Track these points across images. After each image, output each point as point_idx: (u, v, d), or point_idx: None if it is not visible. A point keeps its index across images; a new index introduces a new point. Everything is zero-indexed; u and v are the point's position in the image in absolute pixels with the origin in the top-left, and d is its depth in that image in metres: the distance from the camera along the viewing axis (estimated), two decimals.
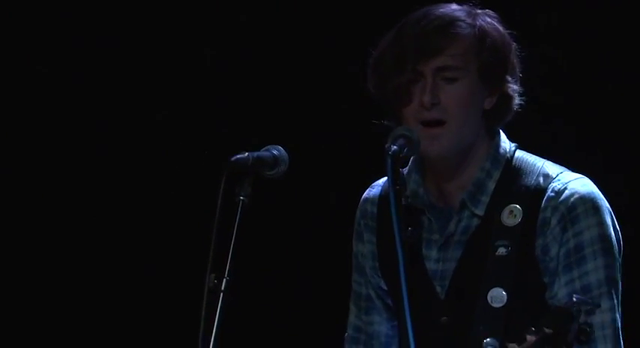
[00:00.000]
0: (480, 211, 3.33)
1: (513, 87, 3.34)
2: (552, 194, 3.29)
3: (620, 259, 3.39)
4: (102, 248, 5.80)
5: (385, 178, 3.44)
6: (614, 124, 5.16)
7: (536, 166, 3.40)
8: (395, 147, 3.05)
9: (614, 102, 5.30)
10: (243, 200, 3.00)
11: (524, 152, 3.39)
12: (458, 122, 3.30)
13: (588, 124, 4.99)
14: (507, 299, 3.34)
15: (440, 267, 3.42)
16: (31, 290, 5.88)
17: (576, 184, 3.32)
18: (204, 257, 3.04)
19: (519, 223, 3.38)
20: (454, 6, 3.39)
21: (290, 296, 5.01)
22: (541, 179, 3.36)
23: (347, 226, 3.66)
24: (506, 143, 3.39)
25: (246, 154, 3.07)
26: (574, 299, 2.88)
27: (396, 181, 3.12)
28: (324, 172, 4.28)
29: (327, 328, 3.97)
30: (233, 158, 3.01)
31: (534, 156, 3.41)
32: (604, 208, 3.33)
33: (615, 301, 3.33)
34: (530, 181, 3.41)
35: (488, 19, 3.36)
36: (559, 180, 3.34)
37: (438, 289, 3.37)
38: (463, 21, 3.34)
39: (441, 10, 3.36)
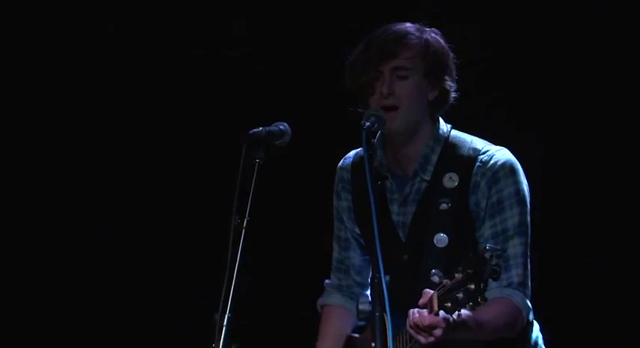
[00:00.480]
0: (427, 177, 4.03)
1: (450, 84, 4.07)
2: (480, 164, 4.02)
3: (529, 208, 4.09)
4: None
5: (354, 151, 4.23)
6: (525, 108, 6.01)
7: (467, 141, 4.12)
8: (368, 123, 3.77)
9: (527, 95, 6.15)
10: (258, 162, 3.75)
11: (457, 131, 4.14)
12: (408, 108, 3.99)
13: (507, 107, 5.81)
14: (448, 241, 4.02)
15: (401, 219, 4.10)
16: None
17: (498, 154, 4.05)
18: (229, 206, 3.77)
19: (456, 185, 4.07)
20: (408, 24, 4.09)
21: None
22: (471, 152, 4.09)
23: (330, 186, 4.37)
24: (444, 125, 4.09)
25: (260, 128, 3.82)
26: (487, 247, 3.59)
27: (369, 148, 3.82)
28: (312, 145, 4.94)
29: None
30: (251, 132, 3.76)
31: (465, 134, 4.15)
32: (519, 171, 4.03)
33: (525, 238, 4.03)
34: (463, 153, 4.09)
35: (433, 34, 4.07)
36: (485, 152, 4.06)
37: (400, 234, 4.04)
38: (413, 34, 4.04)
39: (398, 26, 4.09)
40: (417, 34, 4.11)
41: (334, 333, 4.38)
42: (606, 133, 6.47)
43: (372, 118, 3.89)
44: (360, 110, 4.00)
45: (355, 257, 4.38)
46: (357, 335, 4.33)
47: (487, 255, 3.65)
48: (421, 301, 3.78)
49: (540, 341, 4.30)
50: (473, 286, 3.70)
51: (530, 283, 4.12)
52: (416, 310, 3.82)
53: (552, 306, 4.90)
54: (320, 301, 4.46)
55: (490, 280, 3.70)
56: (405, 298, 3.95)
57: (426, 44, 4.10)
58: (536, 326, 4.23)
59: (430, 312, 3.76)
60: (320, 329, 4.48)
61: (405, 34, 4.11)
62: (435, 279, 3.92)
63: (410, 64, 4.04)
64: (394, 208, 4.15)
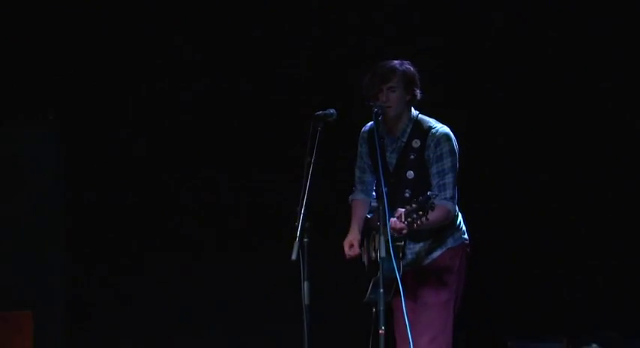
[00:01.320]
0: (404, 140, 5.62)
1: (417, 91, 5.64)
2: (431, 134, 5.62)
3: (457, 158, 5.59)
4: None
5: (368, 124, 5.76)
6: (456, 103, 7.39)
7: (426, 121, 5.67)
8: (376, 110, 5.43)
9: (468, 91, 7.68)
10: (320, 129, 5.29)
11: (422, 115, 5.73)
12: (395, 106, 5.59)
13: (446, 101, 7.11)
14: (414, 175, 5.60)
15: (393, 160, 5.66)
16: None
17: (441, 129, 5.61)
18: (307, 151, 5.16)
19: (419, 146, 5.61)
20: (394, 60, 5.66)
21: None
22: (427, 127, 5.66)
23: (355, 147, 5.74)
24: (415, 112, 5.65)
25: (320, 111, 5.39)
26: (428, 193, 5.23)
27: (377, 123, 5.51)
28: (347, 120, 5.82)
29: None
30: (315, 113, 5.39)
31: (426, 117, 5.73)
32: (452, 138, 5.58)
33: (454, 173, 5.55)
34: (424, 128, 5.64)
35: (407, 65, 5.63)
36: (435, 127, 5.61)
37: (390, 168, 5.58)
38: (397, 68, 5.60)
39: (389, 63, 5.66)
40: (399, 67, 5.61)
41: (359, 215, 5.75)
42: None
43: (378, 109, 5.51)
44: (371, 104, 5.54)
45: (368, 176, 5.84)
46: (369, 216, 5.73)
47: (429, 195, 5.30)
48: (396, 215, 5.24)
49: (462, 223, 5.73)
50: (421, 212, 5.21)
51: (456, 196, 5.61)
52: (393, 219, 5.24)
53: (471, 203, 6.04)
54: (350, 198, 5.83)
55: (429, 211, 5.20)
56: (393, 200, 5.38)
57: (404, 73, 5.61)
58: (460, 216, 5.70)
59: (399, 221, 5.27)
60: (352, 214, 5.79)
61: (393, 68, 5.61)
62: (407, 193, 5.53)
63: (396, 85, 5.58)
64: (387, 154, 5.68)
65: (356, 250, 5.56)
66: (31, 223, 7.18)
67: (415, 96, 5.61)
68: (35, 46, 7.42)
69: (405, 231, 5.22)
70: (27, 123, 7.26)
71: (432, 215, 5.20)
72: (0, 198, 7.13)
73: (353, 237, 5.62)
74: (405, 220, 5.19)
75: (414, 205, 5.15)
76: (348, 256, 5.58)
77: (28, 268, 7.13)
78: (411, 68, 5.59)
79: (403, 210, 5.21)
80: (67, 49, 7.52)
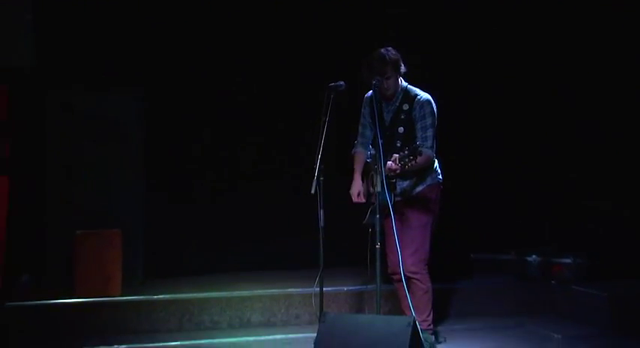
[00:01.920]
0: (397, 104, 5.98)
1: (403, 68, 5.88)
2: (417, 100, 5.89)
3: (436, 118, 5.84)
4: None
5: (370, 92, 5.93)
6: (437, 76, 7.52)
7: (413, 90, 5.97)
8: (375, 82, 5.79)
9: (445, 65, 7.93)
10: (332, 97, 5.63)
11: (409, 85, 5.98)
12: (392, 87, 5.92)
13: (429, 75, 7.11)
14: (403, 130, 5.93)
15: (388, 118, 6.00)
16: None
17: (424, 96, 5.94)
18: (322, 113, 5.54)
19: (407, 108, 5.94)
20: (381, 50, 5.82)
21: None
22: (414, 94, 5.93)
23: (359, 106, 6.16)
24: (404, 83, 6.01)
25: (333, 83, 5.66)
26: (417, 142, 5.65)
27: (375, 92, 5.82)
28: (354, 90, 6.01)
29: None
30: (330, 84, 5.69)
31: (412, 86, 5.98)
32: (434, 104, 5.93)
33: (433, 129, 5.84)
34: (411, 95, 5.94)
35: (391, 52, 5.86)
36: (420, 95, 5.93)
37: (386, 124, 5.99)
38: (385, 58, 5.80)
39: (377, 55, 5.81)
40: (386, 58, 5.83)
41: (360, 161, 6.07)
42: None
43: (377, 82, 5.81)
44: (373, 82, 5.79)
45: (368, 131, 6.15)
46: (368, 161, 6.01)
47: (417, 144, 5.61)
48: (391, 159, 5.61)
49: (437, 167, 6.03)
50: (411, 157, 5.52)
51: (434, 145, 5.92)
52: (390, 162, 5.60)
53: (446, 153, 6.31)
54: (353, 150, 6.12)
55: (417, 157, 5.50)
56: (387, 148, 5.72)
57: (392, 62, 5.85)
58: (436, 161, 6.05)
59: (394, 163, 5.60)
60: (355, 164, 6.03)
61: (384, 60, 5.82)
62: (398, 143, 5.86)
63: (389, 73, 5.88)
64: (384, 114, 6.03)
65: (362, 199, 5.86)
66: (121, 164, 7.38)
67: (401, 72, 5.95)
68: (130, 32, 7.53)
69: (398, 171, 5.57)
70: (120, 90, 7.34)
71: (419, 159, 5.53)
72: (99, 145, 7.28)
73: (358, 188, 5.89)
74: (399, 163, 5.52)
75: (406, 152, 5.51)
76: (355, 202, 5.89)
77: (118, 197, 7.33)
78: (396, 54, 5.89)
79: (397, 155, 5.55)
80: (153, 34, 7.62)
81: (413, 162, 5.47)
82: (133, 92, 7.29)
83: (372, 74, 5.79)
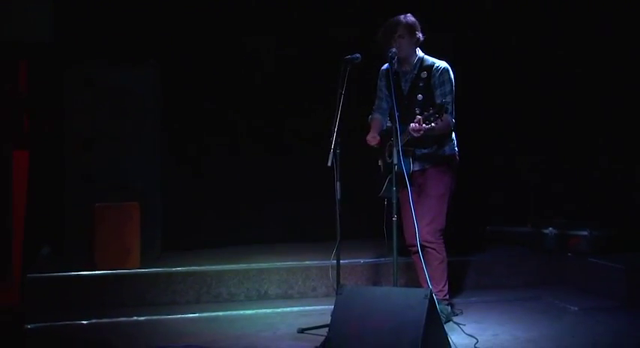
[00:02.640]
0: (415, 72, 5.94)
1: (419, 35, 5.90)
2: (435, 68, 5.86)
3: (454, 84, 5.80)
4: None
5: (386, 64, 5.96)
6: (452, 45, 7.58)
7: (429, 59, 5.95)
8: (391, 53, 5.76)
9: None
10: (349, 69, 5.59)
11: (425, 54, 5.95)
12: (405, 49, 5.88)
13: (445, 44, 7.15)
14: (422, 98, 5.86)
15: (406, 87, 5.95)
16: None
17: (442, 64, 5.91)
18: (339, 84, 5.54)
19: (426, 76, 5.89)
20: (400, 15, 5.85)
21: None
22: (431, 63, 5.91)
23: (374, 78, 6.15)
24: (420, 52, 5.98)
25: (349, 55, 5.64)
26: (442, 100, 5.59)
27: (392, 62, 5.78)
28: (369, 61, 5.91)
29: None
30: (346, 57, 5.66)
31: (428, 56, 5.95)
32: (451, 71, 5.90)
33: (452, 95, 5.80)
34: (428, 64, 5.92)
35: (409, 17, 5.88)
36: (438, 64, 5.90)
37: (405, 93, 5.94)
38: (401, 19, 5.84)
39: (395, 17, 5.86)
40: (402, 19, 5.88)
41: (377, 127, 6.00)
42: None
43: (394, 51, 5.82)
44: (388, 48, 5.78)
45: (384, 103, 6.14)
46: (384, 130, 5.97)
47: (440, 103, 5.52)
48: (416, 119, 5.48)
49: (454, 139, 5.98)
50: (437, 115, 5.40)
51: (454, 111, 5.84)
52: (413, 124, 5.46)
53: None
54: (370, 118, 6.07)
55: (442, 113, 5.42)
56: (406, 116, 5.62)
57: (407, 23, 5.87)
58: (454, 133, 5.98)
59: (417, 123, 5.48)
60: (372, 126, 5.95)
61: (398, 20, 5.87)
62: (417, 111, 5.72)
63: (402, 33, 5.87)
64: (402, 83, 5.98)
65: (377, 139, 5.82)
66: (139, 137, 7.29)
67: (418, 39, 5.94)
68: (146, 5, 7.52)
69: (422, 131, 5.42)
70: (138, 64, 7.23)
71: (440, 124, 5.43)
72: (117, 119, 7.20)
73: (374, 133, 5.88)
74: (424, 122, 5.39)
75: (431, 110, 5.40)
76: (371, 143, 5.82)
77: (136, 170, 7.22)
78: (412, 18, 5.91)
79: (420, 116, 5.43)
80: (170, 6, 7.62)
81: (438, 120, 5.38)
82: (150, 65, 7.25)
83: (386, 35, 5.76)
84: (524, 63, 7.96)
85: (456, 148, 6.00)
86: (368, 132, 5.98)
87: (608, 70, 7.54)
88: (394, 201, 5.44)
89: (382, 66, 6.08)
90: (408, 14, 5.89)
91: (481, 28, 8.01)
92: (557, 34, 7.86)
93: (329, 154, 5.44)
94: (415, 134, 5.52)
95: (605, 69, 7.57)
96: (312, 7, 7.88)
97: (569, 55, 7.79)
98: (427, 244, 5.85)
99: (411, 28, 5.84)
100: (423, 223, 5.78)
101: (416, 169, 5.86)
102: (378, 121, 6.06)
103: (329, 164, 5.44)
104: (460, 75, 5.98)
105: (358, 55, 5.66)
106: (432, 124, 5.42)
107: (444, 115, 5.44)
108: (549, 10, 7.89)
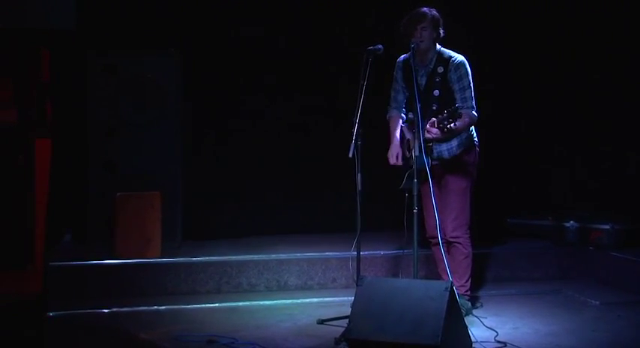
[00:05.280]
0: (431, 67, 5.87)
1: (441, 30, 5.86)
2: (452, 62, 5.78)
3: (471, 78, 5.75)
4: None
5: (403, 55, 5.96)
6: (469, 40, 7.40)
7: (446, 52, 5.88)
8: (413, 45, 5.75)
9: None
10: (371, 59, 5.57)
11: (444, 48, 5.88)
12: (427, 41, 5.82)
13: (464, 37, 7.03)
14: (439, 93, 5.81)
15: (422, 82, 5.90)
16: None
17: (459, 58, 5.84)
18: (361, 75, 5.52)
19: (443, 71, 5.82)
20: (424, 8, 5.81)
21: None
22: (448, 57, 5.83)
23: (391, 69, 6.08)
24: (439, 46, 5.89)
25: (371, 46, 5.61)
26: (458, 104, 5.55)
27: (414, 54, 5.75)
28: (390, 52, 5.91)
29: None
30: (368, 48, 5.63)
31: (447, 49, 5.88)
32: (468, 65, 5.83)
33: (471, 89, 5.75)
34: (445, 58, 5.84)
35: (434, 11, 5.84)
36: (454, 57, 5.84)
37: (421, 88, 5.84)
38: (427, 12, 5.79)
39: (420, 9, 5.80)
40: (428, 12, 5.83)
41: (396, 125, 5.97)
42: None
43: (414, 45, 5.79)
44: (411, 45, 5.72)
45: (400, 96, 6.08)
46: (404, 125, 5.98)
47: (457, 105, 5.55)
48: (430, 122, 5.55)
49: (474, 130, 5.93)
50: (451, 120, 5.43)
51: (475, 106, 5.81)
52: (428, 125, 5.54)
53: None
54: (388, 115, 6.05)
55: (457, 118, 5.43)
56: (423, 112, 5.58)
57: (432, 17, 5.82)
58: (474, 128, 6.00)
59: (433, 126, 5.52)
60: (391, 128, 5.96)
61: (424, 13, 5.81)
62: (434, 107, 5.73)
63: (426, 25, 5.81)
64: (419, 78, 5.87)
65: (399, 162, 5.81)
66: (160, 126, 7.25)
67: (440, 34, 5.88)
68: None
69: (438, 135, 5.47)
70: (159, 52, 7.21)
71: (460, 122, 5.47)
72: (138, 107, 7.13)
73: (396, 150, 5.83)
74: (438, 126, 5.42)
75: (445, 114, 5.42)
76: (392, 164, 5.83)
77: (157, 159, 7.20)
78: (437, 14, 5.86)
79: (435, 119, 5.44)
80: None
81: (452, 125, 5.39)
82: (171, 54, 7.22)
83: (410, 26, 5.70)
84: (554, 51, 7.84)
85: (476, 140, 5.94)
86: (387, 130, 5.91)
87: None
88: (415, 193, 5.40)
89: (399, 58, 6.02)
90: (433, 8, 5.83)
91: (502, 19, 7.94)
92: (586, 24, 7.76)
93: (350, 145, 5.40)
94: (431, 136, 5.53)
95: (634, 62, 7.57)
96: None
97: (606, 46, 7.65)
98: (453, 240, 5.86)
99: (435, 22, 5.79)
100: (447, 219, 5.77)
101: (436, 162, 5.83)
102: (396, 120, 5.95)
103: (350, 156, 5.42)
104: (480, 64, 5.88)
105: (380, 46, 5.62)
106: (450, 126, 5.41)
107: (462, 114, 5.43)
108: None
